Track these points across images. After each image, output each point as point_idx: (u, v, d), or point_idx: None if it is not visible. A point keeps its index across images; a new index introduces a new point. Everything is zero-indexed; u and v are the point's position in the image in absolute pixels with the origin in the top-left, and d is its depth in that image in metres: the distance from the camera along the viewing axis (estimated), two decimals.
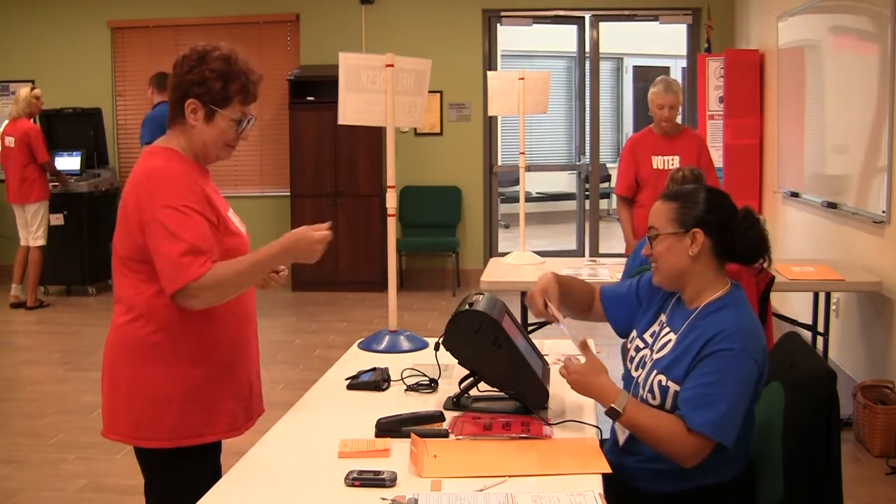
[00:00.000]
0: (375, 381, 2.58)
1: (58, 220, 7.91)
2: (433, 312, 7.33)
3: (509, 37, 10.58)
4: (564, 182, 12.64)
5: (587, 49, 8.71)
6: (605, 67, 12.95)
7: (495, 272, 4.83)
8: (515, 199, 7.36)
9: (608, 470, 1.99)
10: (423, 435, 2.13)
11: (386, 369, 2.66)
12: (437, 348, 2.38)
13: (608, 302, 2.50)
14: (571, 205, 11.31)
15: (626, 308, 2.45)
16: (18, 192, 7.42)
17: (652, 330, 2.33)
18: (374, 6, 8.45)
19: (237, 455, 2.14)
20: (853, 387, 4.43)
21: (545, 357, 2.55)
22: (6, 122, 7.54)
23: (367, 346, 3.07)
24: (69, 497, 3.86)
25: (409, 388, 2.56)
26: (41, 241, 7.51)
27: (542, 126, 13.08)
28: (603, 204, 11.50)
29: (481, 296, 2.40)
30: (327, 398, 2.54)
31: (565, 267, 4.85)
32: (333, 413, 2.42)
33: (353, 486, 1.91)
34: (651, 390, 2.18)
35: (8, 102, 8.26)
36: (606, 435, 2.33)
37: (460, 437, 2.17)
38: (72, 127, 8.46)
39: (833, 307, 5.24)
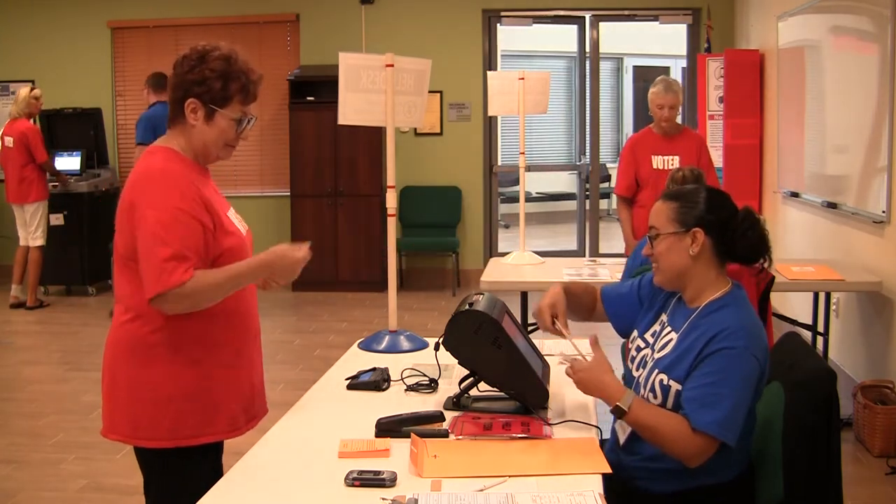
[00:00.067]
0: (375, 381, 2.58)
1: (58, 220, 7.91)
2: (433, 312, 7.33)
3: (509, 37, 10.58)
4: (564, 182, 12.63)
5: (587, 49, 8.71)
6: (605, 67, 12.95)
7: (495, 272, 4.83)
8: (515, 199, 7.36)
9: (608, 470, 1.99)
10: (423, 435, 2.13)
11: (386, 369, 2.66)
12: (437, 348, 2.38)
13: (609, 302, 2.51)
14: (571, 205, 11.31)
15: (628, 308, 2.45)
16: (17, 192, 7.42)
17: (653, 330, 2.33)
18: (374, 6, 8.45)
19: (237, 455, 2.14)
20: (853, 387, 4.43)
21: (545, 357, 2.55)
22: (6, 122, 7.55)
23: (367, 346, 3.07)
24: (69, 497, 3.86)
25: (409, 388, 2.56)
26: (40, 241, 7.51)
27: (542, 126, 13.08)
28: (603, 204, 11.50)
29: (481, 296, 2.40)
30: (327, 398, 2.54)
31: (565, 267, 4.86)
32: (333, 413, 2.42)
33: (353, 486, 1.91)
34: (652, 389, 2.18)
35: (8, 102, 8.26)
36: (606, 435, 2.33)
37: (460, 437, 2.17)
38: (72, 127, 8.46)
39: (833, 307, 5.24)
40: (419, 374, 2.62)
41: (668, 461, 2.13)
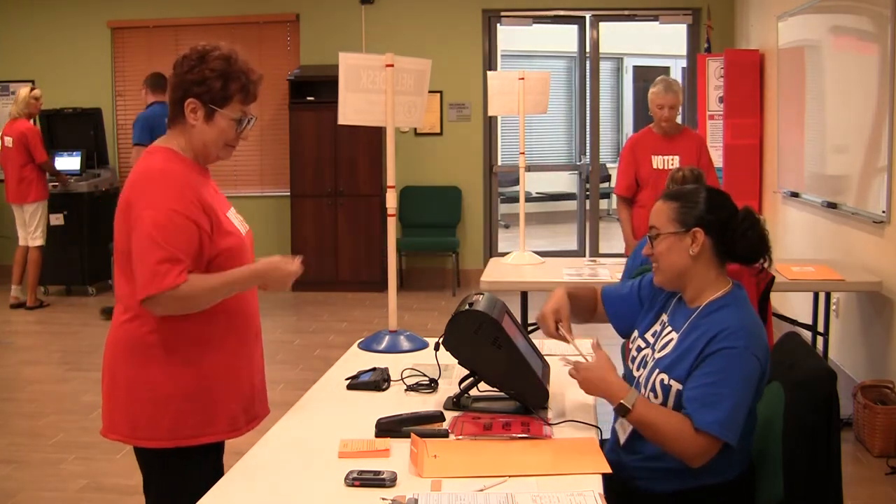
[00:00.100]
0: (375, 381, 2.58)
1: (58, 220, 7.91)
2: (433, 312, 7.33)
3: (509, 37, 10.58)
4: (564, 182, 12.63)
5: (587, 49, 8.71)
6: (605, 67, 12.95)
7: (495, 272, 4.83)
8: (515, 199, 7.36)
9: (608, 470, 1.99)
10: (423, 435, 2.13)
11: (386, 369, 2.66)
12: (437, 348, 2.38)
13: (609, 303, 2.51)
14: (571, 205, 11.31)
15: (628, 308, 2.46)
16: (17, 191, 7.42)
17: (653, 330, 2.33)
18: (374, 6, 8.45)
19: (237, 455, 2.14)
20: (853, 387, 4.43)
21: (545, 357, 2.55)
22: (6, 122, 7.55)
23: (367, 346, 3.07)
24: (69, 497, 3.86)
25: (409, 388, 2.56)
26: (40, 241, 7.51)
27: (542, 126, 13.08)
28: (603, 204, 11.51)
29: (481, 296, 2.40)
30: (327, 398, 2.54)
31: (565, 267, 4.86)
32: (333, 413, 2.42)
33: (353, 486, 1.91)
34: (653, 389, 2.18)
35: (8, 102, 8.26)
36: (606, 435, 2.33)
37: (460, 437, 2.17)
38: (72, 127, 8.46)
39: (833, 307, 5.24)
40: (419, 374, 2.62)
41: (668, 460, 2.13)
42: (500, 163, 8.97)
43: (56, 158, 8.11)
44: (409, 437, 2.12)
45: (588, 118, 8.82)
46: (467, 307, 2.33)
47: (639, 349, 2.34)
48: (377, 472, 1.93)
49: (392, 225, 3.45)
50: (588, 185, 8.93)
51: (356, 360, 2.91)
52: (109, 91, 8.82)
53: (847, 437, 4.28)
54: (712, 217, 2.22)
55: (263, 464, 2.07)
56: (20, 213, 7.50)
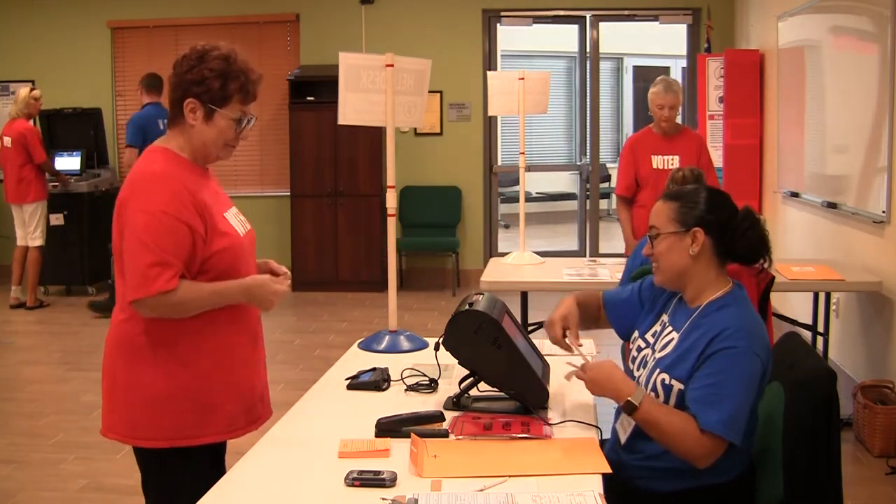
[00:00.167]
0: (375, 381, 2.58)
1: (58, 220, 7.91)
2: (433, 312, 7.33)
3: (509, 37, 10.58)
4: (564, 182, 12.63)
5: (587, 49, 8.71)
6: (605, 67, 12.94)
7: (495, 272, 4.83)
8: (515, 199, 7.36)
9: (608, 470, 1.99)
10: (423, 435, 2.13)
11: (386, 369, 2.66)
12: (437, 348, 2.38)
13: (610, 307, 2.52)
14: (571, 205, 11.31)
15: (629, 311, 2.46)
16: (16, 192, 7.42)
17: (654, 330, 2.33)
18: (374, 6, 8.45)
19: (237, 455, 2.14)
20: (853, 387, 4.43)
21: (545, 357, 2.55)
22: (5, 122, 7.55)
23: (367, 346, 3.07)
24: (69, 497, 3.86)
25: (409, 388, 2.56)
26: (39, 242, 7.51)
27: (542, 126, 13.08)
28: (603, 204, 11.51)
29: (481, 296, 2.40)
30: (327, 398, 2.54)
31: (565, 267, 4.86)
32: (333, 413, 2.42)
33: (353, 486, 1.91)
34: (654, 389, 2.18)
35: (8, 102, 8.26)
36: (607, 435, 2.33)
37: (460, 437, 2.17)
38: (72, 127, 8.46)
39: (833, 307, 5.24)
40: (419, 374, 2.62)
41: (669, 460, 2.13)
42: (500, 163, 8.97)
43: (56, 158, 8.11)
44: (409, 437, 2.12)
45: (588, 118, 8.82)
46: (467, 307, 2.33)
47: (639, 349, 2.34)
48: (377, 472, 1.93)
49: (392, 225, 3.45)
50: (588, 185, 8.93)
51: (356, 360, 2.91)
52: (109, 91, 8.82)
53: (847, 437, 4.28)
54: (712, 217, 2.23)
55: (263, 464, 2.07)
56: (19, 213, 7.50)
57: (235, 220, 2.36)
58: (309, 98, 8.07)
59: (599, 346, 2.99)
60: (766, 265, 2.30)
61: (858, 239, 5.09)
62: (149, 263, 2.11)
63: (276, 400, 2.51)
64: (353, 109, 3.30)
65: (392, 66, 3.28)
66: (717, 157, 6.90)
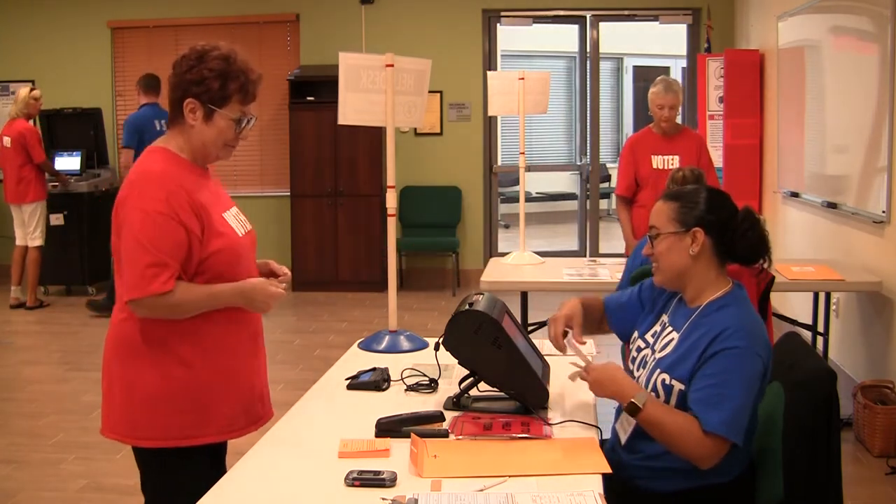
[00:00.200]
0: (375, 381, 2.58)
1: (58, 220, 7.91)
2: (433, 312, 7.33)
3: (509, 37, 10.58)
4: (564, 182, 12.64)
5: (587, 49, 8.71)
6: (605, 67, 12.94)
7: (495, 272, 4.83)
8: (515, 199, 7.36)
9: (608, 470, 1.99)
10: (423, 435, 2.13)
11: (386, 369, 2.66)
12: (437, 348, 2.38)
13: (611, 312, 2.52)
14: (571, 205, 11.32)
15: (630, 314, 2.46)
16: (15, 192, 7.42)
17: (653, 330, 2.33)
18: (374, 6, 8.45)
19: (237, 455, 2.14)
20: (853, 387, 4.43)
21: (545, 357, 2.55)
22: (5, 122, 7.55)
23: (367, 346, 3.07)
24: (69, 497, 3.86)
25: (409, 388, 2.56)
26: (39, 242, 7.51)
27: (542, 126, 13.08)
28: (603, 204, 11.51)
29: (481, 296, 2.40)
30: (327, 398, 2.54)
31: (565, 267, 4.86)
32: (333, 413, 2.42)
33: (353, 486, 1.91)
34: (654, 389, 2.18)
35: (8, 102, 8.26)
36: (607, 435, 2.33)
37: (460, 437, 2.17)
38: (72, 127, 8.46)
39: (833, 307, 5.24)
40: (419, 374, 2.62)
41: (669, 460, 2.13)
42: (500, 163, 8.97)
43: (56, 158, 8.11)
44: (409, 437, 2.12)
45: (588, 118, 8.82)
46: (467, 307, 2.33)
47: (638, 349, 2.34)
48: (377, 472, 1.93)
49: (392, 225, 3.45)
50: (588, 185, 8.93)
51: (356, 360, 2.91)
52: (109, 91, 8.82)
53: (847, 437, 4.28)
54: (712, 217, 2.23)
55: (263, 464, 2.06)
56: (18, 213, 7.50)
57: (235, 220, 2.36)
58: (309, 98, 8.07)
59: (600, 347, 2.99)
60: (765, 265, 2.30)
61: (858, 239, 5.09)
62: (146, 264, 2.11)
63: (276, 400, 2.51)
64: (353, 109, 3.30)
65: (392, 66, 3.28)
66: (717, 157, 6.90)
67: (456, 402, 2.39)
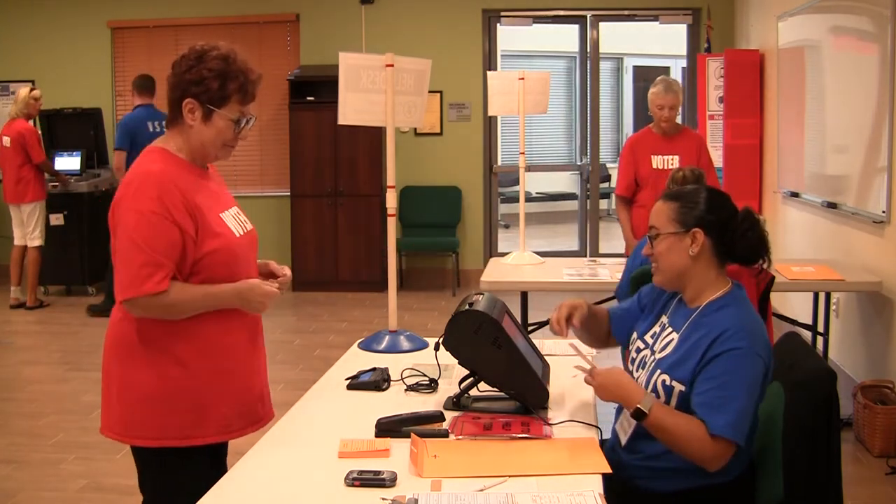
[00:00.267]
0: (375, 381, 2.58)
1: (58, 220, 7.91)
2: (433, 312, 7.33)
3: (509, 37, 10.58)
4: (564, 182, 12.64)
5: (587, 49, 8.71)
6: (605, 67, 12.94)
7: (495, 272, 4.83)
8: (515, 199, 7.36)
9: (608, 470, 1.99)
10: (423, 435, 2.13)
11: (386, 369, 2.66)
12: (437, 348, 2.38)
13: (614, 322, 2.52)
14: (571, 205, 11.32)
15: (632, 320, 2.46)
16: (14, 192, 7.42)
17: (653, 331, 2.33)
18: (374, 6, 8.45)
19: (237, 455, 2.15)
20: (853, 387, 4.43)
21: (545, 357, 2.55)
22: (5, 122, 7.55)
23: (367, 346, 3.07)
24: (69, 497, 3.86)
25: (409, 388, 2.56)
26: (38, 242, 7.51)
27: (542, 126, 13.08)
28: (603, 204, 11.51)
29: (481, 296, 2.40)
30: (327, 398, 2.54)
31: (565, 267, 4.86)
32: (333, 413, 2.41)
33: (353, 486, 1.91)
34: (654, 390, 2.18)
35: (8, 102, 8.26)
36: (607, 435, 2.33)
37: (460, 437, 2.17)
38: (72, 127, 8.46)
39: (833, 307, 5.24)
40: (419, 374, 2.62)
41: (670, 459, 2.13)
42: (500, 163, 8.97)
43: (56, 158, 8.11)
44: (409, 437, 2.12)
45: (588, 118, 8.81)
46: (467, 307, 2.33)
47: (638, 350, 2.34)
48: (377, 472, 1.93)
49: (392, 225, 3.45)
50: (588, 185, 8.93)
51: (356, 360, 2.91)
52: (109, 91, 8.82)
53: (847, 437, 4.28)
54: (712, 217, 2.23)
55: (263, 464, 2.06)
56: (17, 212, 7.50)
57: (234, 220, 2.35)
58: (309, 98, 8.07)
59: (600, 350, 2.98)
60: (765, 266, 2.30)
61: (858, 239, 5.09)
62: (140, 263, 2.11)
63: (276, 400, 2.51)
64: (353, 109, 3.30)
65: (392, 66, 3.28)
66: (717, 157, 6.90)
67: (456, 402, 2.39)
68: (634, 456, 2.23)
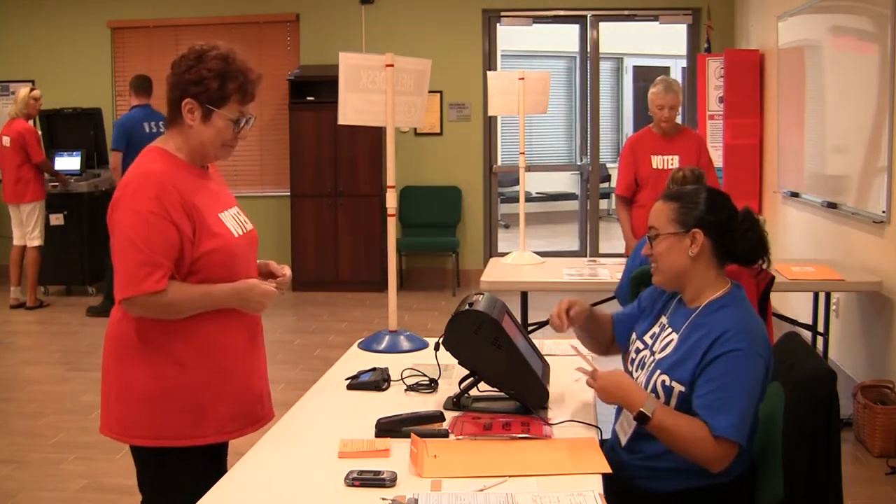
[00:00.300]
0: (375, 381, 2.58)
1: (58, 220, 7.91)
2: (433, 312, 7.33)
3: (509, 37, 10.58)
4: (564, 182, 12.64)
5: (587, 49, 8.71)
6: (605, 67, 12.94)
7: (495, 272, 4.83)
8: (515, 199, 7.36)
9: (608, 470, 1.99)
10: (423, 435, 2.13)
11: (386, 369, 2.66)
12: (437, 348, 2.38)
13: (618, 325, 2.53)
14: (571, 205, 11.32)
15: (633, 323, 2.46)
16: (14, 191, 7.42)
17: (652, 331, 2.33)
18: (374, 6, 8.45)
19: (237, 455, 2.14)
20: (853, 387, 4.43)
21: (545, 357, 2.55)
22: (5, 122, 7.55)
23: (367, 346, 3.07)
24: (69, 497, 3.86)
25: (409, 388, 2.56)
26: (38, 242, 7.51)
27: (542, 126, 13.08)
28: (603, 204, 11.51)
29: (481, 296, 2.40)
30: (327, 398, 2.54)
31: (565, 267, 4.86)
32: (333, 413, 2.41)
33: (353, 486, 1.91)
34: (654, 390, 2.18)
35: (8, 102, 8.26)
36: (607, 435, 2.33)
37: (460, 437, 2.17)
38: (72, 127, 8.46)
39: (833, 307, 5.24)
40: (419, 374, 2.62)
41: (670, 459, 2.13)
42: (500, 163, 8.97)
43: (56, 158, 8.11)
44: (409, 437, 2.12)
45: (588, 118, 8.81)
46: (467, 307, 2.33)
47: (637, 350, 2.34)
48: (377, 472, 1.93)
49: (392, 225, 3.45)
50: (588, 185, 8.93)
51: (356, 360, 2.91)
52: (109, 91, 8.82)
53: (847, 437, 4.28)
54: (712, 218, 2.23)
55: (263, 464, 2.07)
56: (17, 212, 7.50)
57: (234, 220, 2.34)
58: (309, 98, 8.07)
59: None
60: (764, 266, 2.30)
61: (858, 239, 5.09)
62: (139, 263, 2.11)
63: (276, 400, 2.51)
64: (353, 109, 3.30)
65: (392, 66, 3.28)
66: (717, 157, 6.90)
67: (456, 402, 2.39)
68: (634, 456, 2.23)
